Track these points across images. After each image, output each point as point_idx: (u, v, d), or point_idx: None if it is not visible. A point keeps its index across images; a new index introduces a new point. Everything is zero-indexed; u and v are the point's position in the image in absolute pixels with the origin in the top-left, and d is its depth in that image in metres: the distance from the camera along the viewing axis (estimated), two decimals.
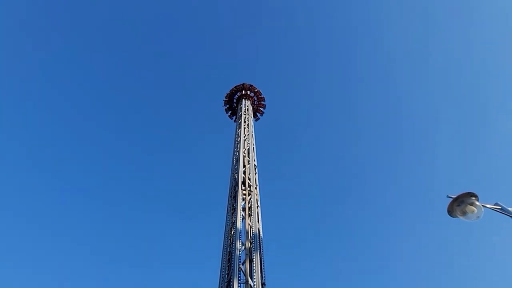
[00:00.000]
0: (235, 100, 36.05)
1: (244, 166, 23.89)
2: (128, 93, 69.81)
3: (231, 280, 15.89)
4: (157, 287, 54.65)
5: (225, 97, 36.26)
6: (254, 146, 27.38)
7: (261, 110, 36.42)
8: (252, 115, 33.56)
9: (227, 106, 36.14)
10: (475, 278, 51.44)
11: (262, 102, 36.34)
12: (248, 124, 30.82)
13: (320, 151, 66.66)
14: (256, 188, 22.09)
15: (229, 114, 36.23)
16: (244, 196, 20.98)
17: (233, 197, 20.83)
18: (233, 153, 26.63)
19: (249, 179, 22.59)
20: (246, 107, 33.85)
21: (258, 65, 70.25)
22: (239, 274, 16.28)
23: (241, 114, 32.68)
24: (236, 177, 22.36)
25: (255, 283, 15.98)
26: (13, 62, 59.96)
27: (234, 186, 21.68)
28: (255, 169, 24.44)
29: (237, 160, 24.44)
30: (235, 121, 34.41)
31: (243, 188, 21.53)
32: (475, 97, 61.48)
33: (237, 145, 27.02)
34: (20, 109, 62.08)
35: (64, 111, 64.51)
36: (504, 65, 58.55)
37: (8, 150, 58.57)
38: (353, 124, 67.60)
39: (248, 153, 25.77)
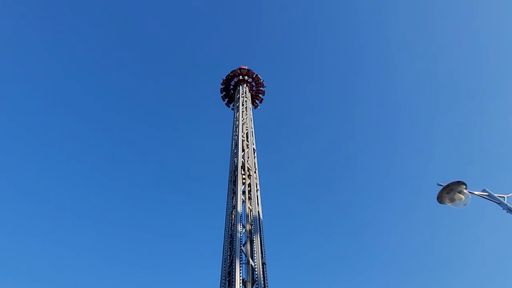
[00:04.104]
0: (231, 87, 33.35)
1: (243, 150, 24.17)
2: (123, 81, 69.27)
3: (233, 260, 16.67)
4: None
5: (221, 83, 33.31)
6: (253, 130, 27.43)
7: (260, 97, 33.86)
8: (250, 100, 32.09)
9: (224, 93, 33.53)
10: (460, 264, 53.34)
11: (261, 88, 33.68)
12: (246, 107, 30.44)
13: (317, 137, 67.48)
14: (255, 172, 22.53)
15: (225, 101, 33.68)
16: (244, 180, 21.43)
17: (233, 182, 21.31)
18: (232, 137, 26.76)
19: (248, 163, 22.99)
20: (244, 93, 32.08)
21: (257, 51, 69.62)
22: (240, 255, 17.00)
23: (238, 97, 31.80)
24: (236, 161, 22.76)
25: (255, 263, 16.73)
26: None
27: (234, 171, 22.11)
28: (254, 152, 24.75)
29: (236, 145, 24.68)
30: (232, 108, 32.16)
31: (243, 172, 21.94)
32: (472, 92, 61.74)
33: (236, 129, 26.90)
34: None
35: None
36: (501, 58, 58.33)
37: None
38: (351, 111, 68.04)
39: (247, 137, 25.96)
